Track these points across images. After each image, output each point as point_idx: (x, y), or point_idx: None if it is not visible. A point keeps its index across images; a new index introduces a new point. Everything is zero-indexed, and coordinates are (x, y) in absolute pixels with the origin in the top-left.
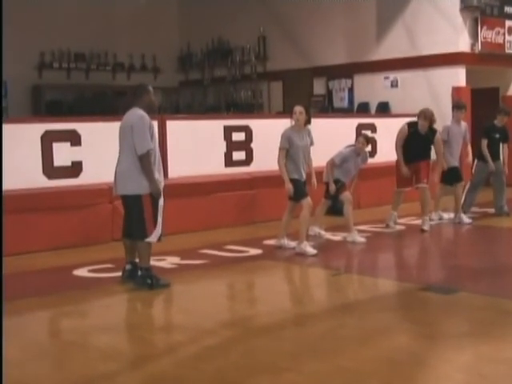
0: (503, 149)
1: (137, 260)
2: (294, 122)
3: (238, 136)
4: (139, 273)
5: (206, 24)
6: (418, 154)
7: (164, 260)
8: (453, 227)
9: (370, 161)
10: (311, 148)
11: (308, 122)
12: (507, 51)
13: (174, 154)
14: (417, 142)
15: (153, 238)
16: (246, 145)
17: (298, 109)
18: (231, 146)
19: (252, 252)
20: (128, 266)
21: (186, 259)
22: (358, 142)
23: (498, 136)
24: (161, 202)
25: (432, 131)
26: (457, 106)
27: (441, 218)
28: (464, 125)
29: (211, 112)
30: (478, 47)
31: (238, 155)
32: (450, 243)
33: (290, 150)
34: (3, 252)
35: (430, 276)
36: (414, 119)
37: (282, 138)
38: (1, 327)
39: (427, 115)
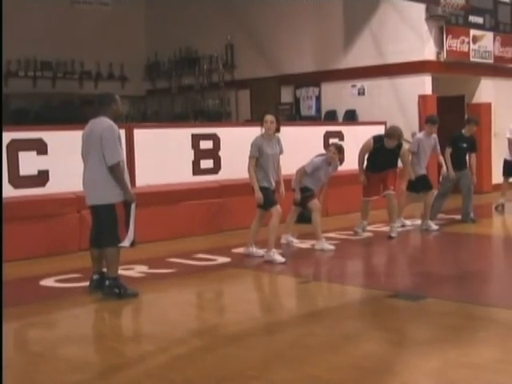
0: (471, 158)
1: (104, 270)
2: (264, 131)
3: (206, 144)
4: (107, 283)
5: (174, 32)
6: (384, 165)
7: (132, 269)
8: (420, 234)
9: (338, 168)
10: (280, 156)
11: (277, 130)
12: (472, 59)
13: (141, 163)
14: (383, 155)
15: (125, 243)
16: (213, 153)
17: (270, 118)
18: (199, 154)
19: (220, 260)
20: (95, 276)
21: (154, 268)
22: (329, 151)
23: (465, 145)
24: (133, 207)
25: (398, 145)
26: (431, 121)
27: (403, 225)
28: (434, 137)
29: (179, 120)
30: (444, 56)
31: (206, 163)
32: (418, 250)
33: (260, 159)
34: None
35: (398, 283)
36: (381, 133)
37: (252, 146)
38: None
39: (395, 135)
